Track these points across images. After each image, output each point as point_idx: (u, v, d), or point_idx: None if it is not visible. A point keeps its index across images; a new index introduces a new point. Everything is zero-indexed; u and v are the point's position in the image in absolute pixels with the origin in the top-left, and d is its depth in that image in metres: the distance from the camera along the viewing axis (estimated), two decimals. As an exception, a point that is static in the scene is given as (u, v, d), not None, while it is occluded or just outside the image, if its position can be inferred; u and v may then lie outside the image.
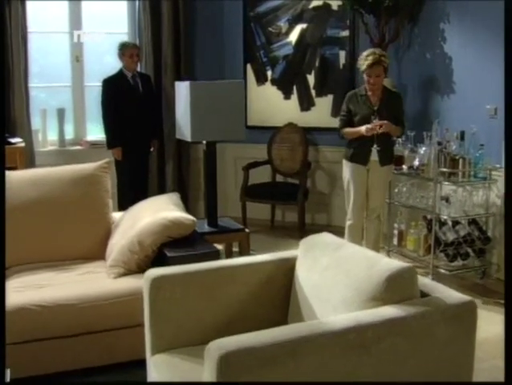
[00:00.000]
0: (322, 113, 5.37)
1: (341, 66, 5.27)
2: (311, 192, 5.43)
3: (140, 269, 2.98)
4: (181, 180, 5.56)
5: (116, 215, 3.46)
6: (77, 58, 5.58)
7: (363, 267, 2.09)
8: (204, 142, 3.65)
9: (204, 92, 3.50)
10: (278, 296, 2.44)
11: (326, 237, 2.45)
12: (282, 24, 5.43)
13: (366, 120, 4.01)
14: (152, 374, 2.26)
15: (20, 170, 3.58)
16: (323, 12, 5.26)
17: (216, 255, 2.90)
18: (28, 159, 4.99)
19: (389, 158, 4.14)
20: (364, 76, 4.00)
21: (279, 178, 5.58)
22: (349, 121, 4.11)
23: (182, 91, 3.57)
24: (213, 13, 5.60)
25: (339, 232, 5.19)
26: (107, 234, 3.30)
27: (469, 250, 4.08)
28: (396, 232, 4.43)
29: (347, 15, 5.15)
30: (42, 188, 3.29)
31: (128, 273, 2.96)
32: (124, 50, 5.02)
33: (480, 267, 4.15)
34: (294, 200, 5.18)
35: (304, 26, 5.35)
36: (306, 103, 5.43)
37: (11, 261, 3.18)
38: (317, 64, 5.35)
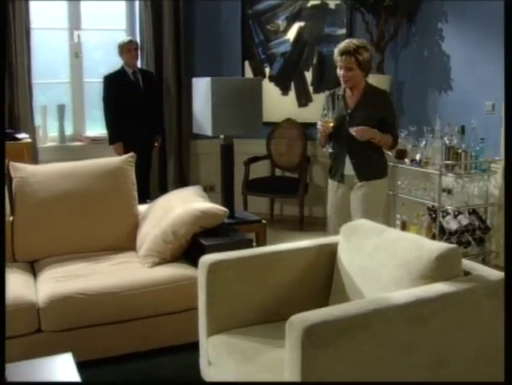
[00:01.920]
0: (319, 109, 5.46)
1: (338, 64, 5.43)
2: (309, 185, 5.59)
3: (174, 259, 3.11)
4: (182, 175, 5.65)
5: (141, 207, 3.55)
6: (76, 54, 5.61)
7: (411, 248, 2.25)
8: (221, 136, 3.76)
9: (224, 88, 3.61)
10: (320, 279, 2.59)
11: (365, 223, 2.61)
12: (281, 22, 5.57)
13: (339, 126, 3.41)
14: (210, 355, 2.39)
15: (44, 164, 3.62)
16: (320, 10, 5.43)
17: (249, 243, 3.04)
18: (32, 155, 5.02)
19: (372, 172, 3.46)
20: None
21: (278, 172, 5.73)
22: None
23: (201, 86, 3.67)
24: (212, 11, 5.70)
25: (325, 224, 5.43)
26: (135, 225, 3.39)
27: (470, 239, 4.30)
28: (398, 222, 4.62)
29: (343, 14, 5.32)
30: (70, 181, 3.36)
31: (163, 262, 3.07)
32: (123, 46, 5.11)
33: (480, 255, 4.37)
34: (294, 194, 5.33)
35: (302, 24, 5.50)
36: (303, 99, 5.59)
37: (42, 252, 3.27)
38: (314, 61, 5.51)
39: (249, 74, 5.67)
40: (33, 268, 3.21)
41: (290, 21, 5.52)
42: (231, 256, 2.44)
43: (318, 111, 5.46)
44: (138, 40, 5.51)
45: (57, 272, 3.01)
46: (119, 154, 5.01)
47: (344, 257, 2.53)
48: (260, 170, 5.60)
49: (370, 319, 1.89)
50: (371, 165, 3.46)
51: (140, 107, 5.12)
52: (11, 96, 5.12)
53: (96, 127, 5.73)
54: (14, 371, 2.05)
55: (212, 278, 2.36)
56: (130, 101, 5.10)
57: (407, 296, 2.01)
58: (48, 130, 5.53)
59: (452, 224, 4.27)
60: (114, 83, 5.10)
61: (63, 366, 2.21)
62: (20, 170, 3.37)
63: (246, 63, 5.71)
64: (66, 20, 5.55)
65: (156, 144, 5.35)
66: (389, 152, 4.62)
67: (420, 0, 4.79)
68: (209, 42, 5.73)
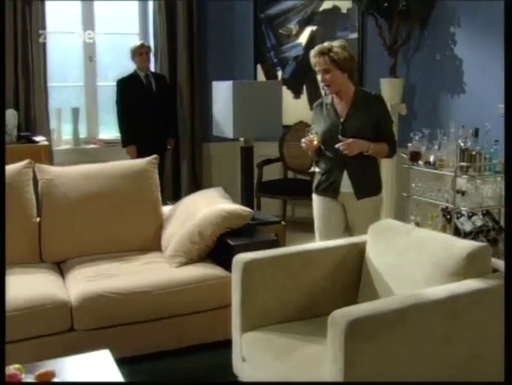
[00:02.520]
0: (331, 112, 5.58)
1: (350, 67, 5.50)
2: (321, 187, 5.65)
3: (200, 259, 3.18)
4: (195, 177, 5.71)
5: (164, 208, 3.60)
6: (90, 58, 5.67)
7: (441, 246, 2.32)
8: (242, 139, 3.82)
9: (244, 91, 3.67)
10: (349, 277, 2.65)
11: (392, 223, 2.68)
12: (293, 26, 5.64)
13: (331, 138, 3.11)
14: (244, 351, 2.44)
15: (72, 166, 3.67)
16: (332, 15, 5.49)
17: (276, 243, 3.10)
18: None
19: (371, 188, 3.19)
20: None
21: (290, 175, 5.79)
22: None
23: (222, 90, 3.73)
24: (225, 15, 5.77)
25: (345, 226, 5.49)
26: (159, 226, 3.45)
27: (484, 240, 4.36)
28: (412, 224, 4.67)
29: (355, 18, 5.39)
30: (96, 182, 3.42)
31: (189, 262, 3.13)
32: (134, 50, 5.16)
33: (494, 255, 4.42)
34: (307, 196, 5.38)
35: (314, 28, 5.56)
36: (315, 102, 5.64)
37: (68, 253, 3.32)
38: (326, 65, 5.57)
39: (261, 77, 5.74)
40: (60, 268, 3.27)
41: (302, 25, 5.59)
42: (265, 255, 2.50)
43: (330, 114, 5.58)
44: (152, 44, 5.58)
45: (86, 272, 3.06)
46: (132, 157, 5.07)
47: (373, 255, 2.59)
48: (273, 172, 5.66)
49: (408, 314, 1.96)
50: (370, 181, 3.20)
51: (152, 111, 5.18)
52: (27, 99, 5.18)
53: (109, 130, 5.80)
54: (57, 367, 2.09)
55: (246, 277, 2.43)
56: (143, 104, 5.15)
57: (442, 292, 2.07)
58: (62, 133, 5.59)
59: (466, 226, 4.32)
60: (127, 87, 5.16)
61: (102, 362, 2.27)
62: (46, 172, 3.43)
63: (258, 67, 5.78)
64: (80, 24, 5.61)
65: (168, 147, 5.40)
66: (404, 154, 4.70)
67: (432, 4, 4.86)
68: (221, 46, 5.79)
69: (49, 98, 5.30)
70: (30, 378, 1.93)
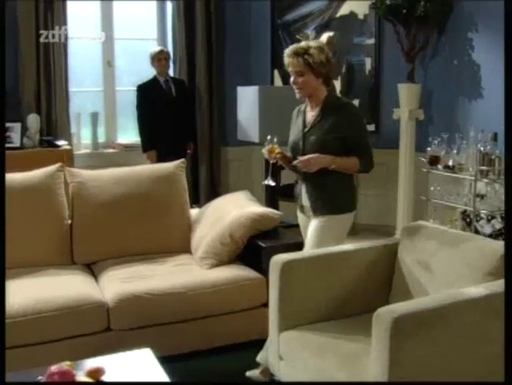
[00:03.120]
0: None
1: (367, 73, 5.57)
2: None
3: (230, 260, 3.23)
4: (213, 180, 5.76)
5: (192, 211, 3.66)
6: (109, 63, 5.74)
7: (474, 247, 2.38)
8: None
9: (270, 96, 3.75)
10: (381, 277, 2.71)
11: (424, 224, 2.74)
12: (310, 32, 5.70)
13: (295, 149, 2.91)
14: (281, 350, 2.50)
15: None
16: (349, 20, 5.55)
17: (301, 245, 3.15)
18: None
19: (331, 205, 2.84)
20: None
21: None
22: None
23: (248, 95, 3.81)
24: (242, 21, 5.83)
25: (363, 230, 5.56)
26: (188, 229, 3.51)
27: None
28: (431, 227, 4.72)
29: (372, 24, 5.46)
30: (125, 185, 3.47)
31: (220, 264, 3.19)
32: (154, 56, 5.22)
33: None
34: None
35: (331, 34, 5.62)
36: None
37: (99, 255, 3.38)
38: (343, 70, 5.64)
39: (278, 82, 5.80)
40: (91, 270, 3.32)
41: (320, 31, 5.65)
42: (302, 256, 2.57)
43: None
44: (171, 49, 5.65)
45: (118, 273, 3.12)
46: (152, 162, 5.13)
47: (406, 256, 2.65)
48: (290, 176, 5.70)
49: (449, 312, 2.01)
50: (332, 198, 2.85)
51: (172, 116, 5.24)
52: (49, 104, 5.25)
53: (128, 135, 5.87)
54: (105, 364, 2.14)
55: (284, 277, 2.48)
56: (163, 109, 5.21)
57: (481, 290, 2.12)
58: (81, 137, 5.66)
59: (486, 229, 4.38)
60: (147, 92, 5.23)
61: (145, 360, 2.32)
62: (76, 175, 3.49)
63: (276, 72, 5.84)
64: (99, 29, 5.69)
65: (188, 151, 5.46)
66: (423, 159, 4.75)
67: (450, 10, 4.92)
68: (239, 51, 5.86)
69: (70, 103, 5.37)
70: (81, 375, 1.98)
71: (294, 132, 2.96)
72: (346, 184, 2.92)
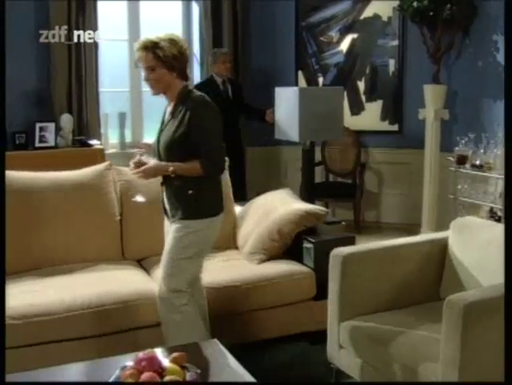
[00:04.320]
0: (371, 117, 5.77)
1: (390, 74, 5.68)
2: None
3: (278, 255, 3.33)
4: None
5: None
6: (136, 64, 5.82)
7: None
8: (304, 142, 3.99)
9: (310, 97, 3.85)
10: (432, 270, 2.82)
11: (474, 219, 2.86)
12: (334, 34, 5.82)
13: (155, 151, 2.78)
14: (341, 339, 2.61)
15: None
16: (373, 22, 5.67)
17: (352, 240, 3.26)
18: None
19: (184, 210, 2.66)
20: None
21: (330, 178, 5.95)
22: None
23: (287, 95, 3.91)
24: (267, 23, 5.94)
25: (387, 228, 5.68)
26: (233, 225, 3.61)
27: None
28: (458, 224, 4.84)
29: (396, 26, 5.57)
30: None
31: (269, 258, 3.29)
32: (217, 56, 5.21)
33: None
34: (351, 199, 5.57)
35: (355, 35, 5.74)
36: (356, 108, 5.82)
37: (149, 250, 3.46)
38: (367, 71, 5.75)
39: (302, 83, 5.91)
40: (141, 265, 3.42)
41: (344, 33, 5.77)
42: (361, 249, 2.69)
43: (370, 120, 5.76)
44: (198, 51, 5.76)
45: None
46: None
47: (456, 250, 2.75)
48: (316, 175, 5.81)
49: None
50: (185, 202, 2.66)
51: (226, 116, 5.17)
52: (80, 104, 5.35)
53: (153, 135, 5.94)
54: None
55: (345, 269, 2.60)
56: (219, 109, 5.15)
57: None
58: (109, 137, 5.76)
59: (514, 226, 4.49)
60: (204, 91, 5.17)
61: (215, 350, 2.42)
62: (124, 173, 3.56)
63: (300, 73, 5.95)
64: (126, 30, 5.79)
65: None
66: (451, 158, 4.87)
67: (475, 13, 5.03)
68: (263, 53, 5.96)
69: (100, 104, 5.47)
70: (166, 362, 2.07)
71: (157, 134, 2.78)
72: (206, 187, 2.67)
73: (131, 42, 5.75)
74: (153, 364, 2.03)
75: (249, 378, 2.20)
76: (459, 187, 4.85)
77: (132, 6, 5.77)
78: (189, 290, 2.72)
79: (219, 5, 5.68)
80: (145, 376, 1.97)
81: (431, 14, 4.91)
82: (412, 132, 5.63)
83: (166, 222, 2.84)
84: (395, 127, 5.72)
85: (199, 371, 2.07)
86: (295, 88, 3.83)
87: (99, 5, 5.41)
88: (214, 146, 2.64)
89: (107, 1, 5.56)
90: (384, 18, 5.64)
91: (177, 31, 5.94)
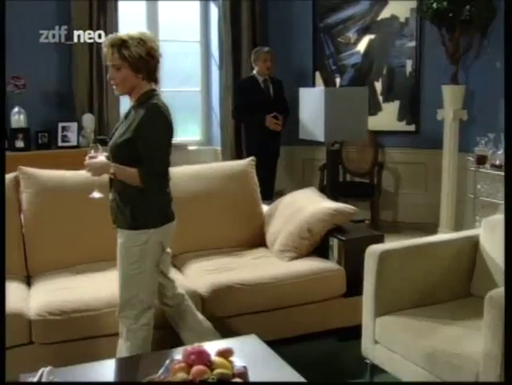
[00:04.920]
0: (388, 117, 5.81)
1: (407, 74, 5.72)
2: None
3: (308, 253, 3.38)
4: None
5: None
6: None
7: None
8: (329, 142, 4.05)
9: (335, 97, 3.91)
10: (463, 267, 2.87)
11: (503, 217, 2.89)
12: (351, 35, 5.86)
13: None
14: (377, 334, 2.66)
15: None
16: (390, 23, 5.71)
17: (381, 238, 3.30)
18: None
19: (125, 219, 2.57)
20: None
21: (347, 177, 6.00)
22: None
23: (312, 96, 3.97)
24: (284, 24, 5.99)
25: (403, 227, 5.72)
26: (261, 223, 3.66)
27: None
28: (478, 224, 4.88)
29: (413, 27, 5.62)
30: (201, 182, 3.62)
31: (299, 256, 3.34)
32: (258, 55, 5.24)
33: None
34: (368, 198, 5.61)
35: (372, 36, 5.79)
36: (373, 108, 5.84)
37: (180, 248, 3.49)
38: (384, 72, 5.80)
39: (319, 84, 5.95)
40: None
41: (361, 33, 5.81)
42: (396, 246, 2.73)
43: (387, 120, 5.81)
44: (217, 52, 5.81)
45: (203, 265, 3.27)
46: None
47: (488, 247, 2.80)
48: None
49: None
50: (126, 210, 2.56)
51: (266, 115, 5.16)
52: (100, 104, 5.41)
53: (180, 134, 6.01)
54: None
55: (380, 265, 2.65)
56: (260, 108, 5.14)
57: None
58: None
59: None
60: (245, 90, 5.24)
61: (255, 344, 2.47)
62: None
63: (317, 74, 5.99)
64: (144, 31, 5.83)
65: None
66: (471, 158, 4.92)
67: (493, 15, 5.07)
68: (281, 54, 5.97)
69: (120, 103, 5.52)
70: (212, 355, 2.12)
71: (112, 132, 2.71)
72: (149, 196, 2.55)
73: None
74: (202, 358, 2.08)
75: (290, 370, 2.25)
76: (479, 186, 4.90)
77: (150, 7, 5.83)
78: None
79: (238, 7, 5.73)
80: (196, 369, 2.01)
81: (450, 15, 4.95)
82: (428, 132, 5.67)
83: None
84: (412, 128, 5.76)
85: (245, 365, 2.12)
86: (321, 88, 3.90)
87: (120, 4, 5.47)
88: (157, 159, 2.51)
89: (127, 1, 5.61)
90: (402, 19, 5.68)
91: (195, 32, 6.08)
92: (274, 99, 5.28)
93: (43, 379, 1.96)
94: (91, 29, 5.26)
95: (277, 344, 3.08)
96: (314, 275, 3.16)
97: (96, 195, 2.63)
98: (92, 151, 2.55)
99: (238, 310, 3.01)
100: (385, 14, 5.73)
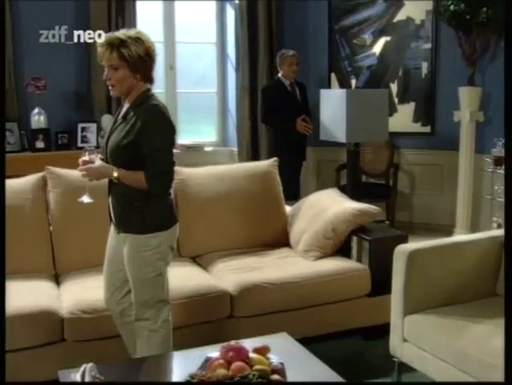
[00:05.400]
0: (404, 119, 5.83)
1: (423, 76, 5.75)
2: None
3: (333, 253, 3.41)
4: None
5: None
6: (171, 66, 5.94)
7: None
8: (351, 143, 4.08)
9: (356, 99, 3.95)
10: (490, 267, 2.90)
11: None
12: (367, 37, 5.90)
13: (103, 153, 2.58)
14: (406, 333, 2.69)
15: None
16: (406, 25, 5.74)
17: (405, 238, 3.33)
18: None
19: (133, 223, 2.52)
20: None
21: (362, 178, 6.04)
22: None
23: (333, 97, 4.02)
24: (300, 26, 6.02)
25: (419, 228, 5.74)
26: (284, 223, 3.69)
27: None
28: (495, 225, 4.91)
29: (429, 29, 5.65)
30: (225, 182, 3.66)
31: (324, 256, 3.37)
32: (284, 58, 5.25)
33: None
34: (384, 199, 5.64)
35: (388, 38, 5.82)
36: (389, 110, 5.85)
37: (204, 248, 3.55)
38: (400, 74, 5.83)
39: (335, 85, 5.98)
40: (196, 262, 3.50)
41: (377, 35, 5.84)
42: (425, 245, 2.76)
43: (403, 121, 5.83)
44: (233, 53, 5.85)
45: (229, 265, 3.31)
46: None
47: (515, 247, 2.82)
48: (343, 176, 5.88)
49: None
50: (135, 214, 2.52)
51: (296, 118, 5.17)
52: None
53: (188, 136, 6.06)
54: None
55: (410, 264, 2.68)
56: (287, 112, 5.18)
57: None
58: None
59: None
60: (272, 94, 5.25)
61: (287, 341, 2.50)
62: (178, 173, 3.61)
63: (332, 75, 6.03)
64: (161, 33, 5.89)
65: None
66: (488, 159, 4.94)
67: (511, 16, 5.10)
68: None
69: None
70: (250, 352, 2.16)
71: (106, 135, 2.62)
72: (157, 198, 2.54)
73: (166, 44, 5.89)
74: (241, 354, 2.12)
75: (325, 367, 2.29)
76: (496, 188, 4.92)
77: (167, 7, 5.88)
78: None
79: (255, 9, 5.77)
80: (235, 365, 2.05)
81: (467, 17, 4.98)
82: (444, 134, 5.69)
83: (111, 234, 2.71)
84: (427, 129, 5.79)
85: (283, 361, 2.15)
86: (342, 90, 3.93)
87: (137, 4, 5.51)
88: (163, 163, 2.48)
89: (144, 1, 5.65)
90: (417, 21, 5.71)
91: (211, 34, 6.12)
92: (300, 102, 5.30)
93: (86, 376, 1.99)
94: (109, 30, 5.29)
95: (301, 343, 3.16)
96: (340, 274, 3.20)
97: (86, 200, 2.54)
98: (87, 154, 2.46)
99: (265, 308, 3.05)
100: (401, 16, 5.76)
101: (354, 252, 3.40)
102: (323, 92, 4.15)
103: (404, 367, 2.80)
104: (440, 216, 5.74)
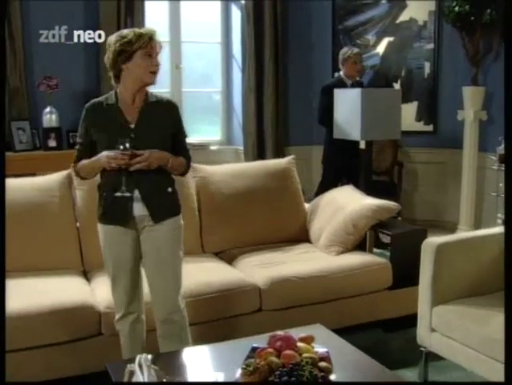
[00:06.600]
0: (406, 118, 5.92)
1: (425, 76, 5.88)
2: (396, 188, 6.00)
3: (353, 248, 3.51)
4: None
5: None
6: (176, 65, 6.00)
7: None
8: (363, 140, 4.18)
9: (371, 98, 4.04)
10: (511, 261, 3.01)
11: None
12: (370, 37, 6.01)
13: (119, 148, 2.44)
14: (434, 323, 2.80)
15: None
16: (409, 26, 5.86)
17: (424, 232, 3.44)
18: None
19: (171, 207, 2.63)
20: (137, 61, 2.50)
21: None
22: (91, 152, 2.59)
23: (348, 96, 4.12)
24: (304, 26, 6.11)
25: (422, 225, 5.82)
26: (304, 220, 3.78)
27: None
28: (500, 221, 5.05)
29: (432, 29, 5.77)
30: (245, 180, 3.74)
31: (345, 251, 3.47)
32: (347, 56, 5.20)
33: None
34: (388, 197, 5.73)
35: (391, 39, 5.93)
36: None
37: (227, 244, 3.63)
38: (403, 74, 5.95)
39: (338, 85, 6.08)
40: (219, 258, 3.57)
41: (380, 36, 5.96)
42: (452, 238, 2.89)
43: (405, 120, 5.93)
44: (239, 54, 5.92)
45: (253, 260, 3.39)
46: None
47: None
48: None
49: None
50: (169, 199, 2.63)
51: None
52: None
53: (195, 134, 6.12)
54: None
55: (437, 257, 2.78)
56: None
57: None
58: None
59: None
60: (332, 94, 4.86)
61: (322, 332, 2.59)
62: (199, 170, 3.73)
63: (336, 75, 6.11)
64: (167, 33, 5.94)
65: None
66: (493, 156, 5.07)
67: (513, 18, 5.24)
68: (301, 55, 6.13)
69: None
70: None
71: (114, 128, 2.51)
72: (173, 183, 2.69)
73: (172, 43, 5.94)
74: (290, 343, 2.20)
75: (364, 355, 2.39)
76: (501, 185, 5.05)
77: (172, 7, 5.93)
78: None
79: (261, 8, 5.84)
80: (286, 353, 2.14)
81: (472, 18, 5.11)
82: (446, 133, 5.82)
83: (119, 232, 2.62)
84: (430, 128, 5.91)
85: (327, 350, 2.24)
86: (358, 89, 4.03)
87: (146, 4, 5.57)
88: (188, 147, 2.75)
89: (151, 0, 5.70)
90: (420, 22, 5.83)
91: (216, 34, 6.18)
92: None
93: (143, 366, 2.05)
94: (118, 30, 5.32)
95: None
96: (364, 268, 3.29)
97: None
98: (127, 145, 2.42)
99: (292, 302, 3.13)
100: (404, 16, 5.87)
101: (377, 246, 3.52)
102: (338, 92, 4.25)
103: (434, 356, 2.90)
104: (443, 213, 5.87)
